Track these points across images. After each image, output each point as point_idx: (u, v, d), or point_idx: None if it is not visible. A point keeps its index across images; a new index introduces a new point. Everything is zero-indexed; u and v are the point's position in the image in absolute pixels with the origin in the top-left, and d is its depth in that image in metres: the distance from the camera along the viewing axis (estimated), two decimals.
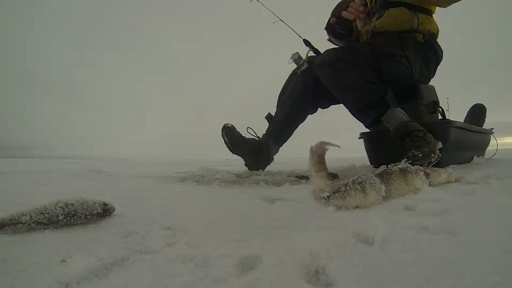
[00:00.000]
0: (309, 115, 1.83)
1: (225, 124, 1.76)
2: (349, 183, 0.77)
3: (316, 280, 0.43)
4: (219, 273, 0.45)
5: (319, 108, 1.87)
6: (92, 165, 2.42)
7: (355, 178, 0.79)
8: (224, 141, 1.75)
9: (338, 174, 1.49)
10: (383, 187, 0.77)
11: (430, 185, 0.87)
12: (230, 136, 1.73)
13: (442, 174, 0.94)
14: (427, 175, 0.90)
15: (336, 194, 0.76)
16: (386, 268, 0.44)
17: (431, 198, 0.74)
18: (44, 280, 0.42)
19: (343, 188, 0.76)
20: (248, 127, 1.80)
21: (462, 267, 0.43)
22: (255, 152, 1.77)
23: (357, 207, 0.73)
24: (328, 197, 0.78)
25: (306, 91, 1.71)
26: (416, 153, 1.24)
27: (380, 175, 0.87)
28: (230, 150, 1.75)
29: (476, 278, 0.40)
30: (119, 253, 0.51)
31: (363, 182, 0.76)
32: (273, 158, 1.89)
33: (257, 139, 1.83)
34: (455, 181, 0.97)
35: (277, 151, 1.88)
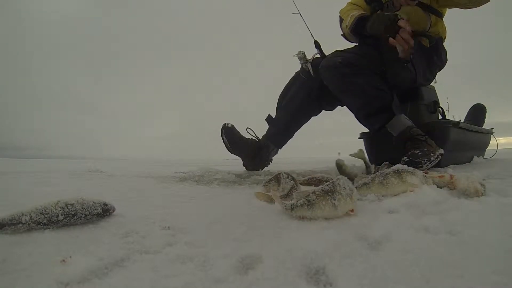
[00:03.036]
0: (313, 116, 1.83)
1: (225, 124, 1.75)
2: (318, 191, 0.68)
3: (316, 280, 0.43)
4: (219, 273, 0.45)
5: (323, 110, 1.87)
6: (92, 165, 2.42)
7: (325, 184, 0.70)
8: (223, 141, 1.75)
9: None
10: (355, 193, 0.69)
11: (452, 188, 0.82)
12: (230, 136, 1.74)
13: (471, 183, 0.77)
14: (451, 177, 0.84)
15: (301, 204, 0.67)
16: (386, 268, 0.44)
17: (431, 198, 0.73)
18: (44, 280, 0.42)
19: (311, 197, 0.67)
20: (247, 128, 1.81)
21: (462, 267, 0.43)
22: (254, 154, 1.77)
23: (326, 218, 0.66)
24: (292, 206, 0.69)
25: (310, 96, 1.69)
26: (415, 152, 1.24)
27: (372, 179, 0.86)
28: (229, 150, 1.76)
29: (476, 278, 0.40)
30: (119, 253, 0.51)
31: (333, 192, 0.67)
32: (271, 160, 1.89)
33: (257, 140, 1.83)
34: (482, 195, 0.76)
35: (276, 152, 1.88)
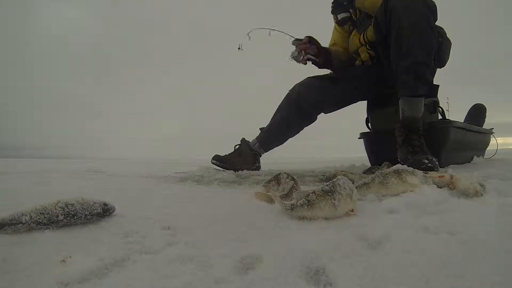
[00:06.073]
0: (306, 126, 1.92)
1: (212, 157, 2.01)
2: (318, 191, 0.68)
3: (316, 280, 0.43)
4: (219, 273, 0.45)
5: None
6: (92, 165, 2.42)
7: (325, 184, 0.70)
8: (216, 165, 1.97)
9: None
10: (355, 193, 0.69)
11: (452, 188, 0.81)
12: (218, 159, 1.98)
13: (471, 184, 0.77)
14: (451, 177, 0.84)
15: (301, 204, 0.67)
16: (386, 268, 0.44)
17: (431, 198, 0.73)
18: (44, 280, 0.42)
19: (311, 197, 0.67)
20: (235, 145, 2.02)
21: (462, 267, 0.43)
22: (238, 155, 1.97)
23: (326, 218, 0.66)
24: (292, 206, 0.69)
25: (291, 111, 1.84)
26: (410, 159, 1.23)
27: (373, 179, 0.86)
28: (224, 168, 1.95)
29: (476, 278, 0.40)
30: (119, 253, 0.51)
31: (333, 191, 0.67)
32: (259, 154, 2.00)
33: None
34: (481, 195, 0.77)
35: (260, 147, 1.99)
